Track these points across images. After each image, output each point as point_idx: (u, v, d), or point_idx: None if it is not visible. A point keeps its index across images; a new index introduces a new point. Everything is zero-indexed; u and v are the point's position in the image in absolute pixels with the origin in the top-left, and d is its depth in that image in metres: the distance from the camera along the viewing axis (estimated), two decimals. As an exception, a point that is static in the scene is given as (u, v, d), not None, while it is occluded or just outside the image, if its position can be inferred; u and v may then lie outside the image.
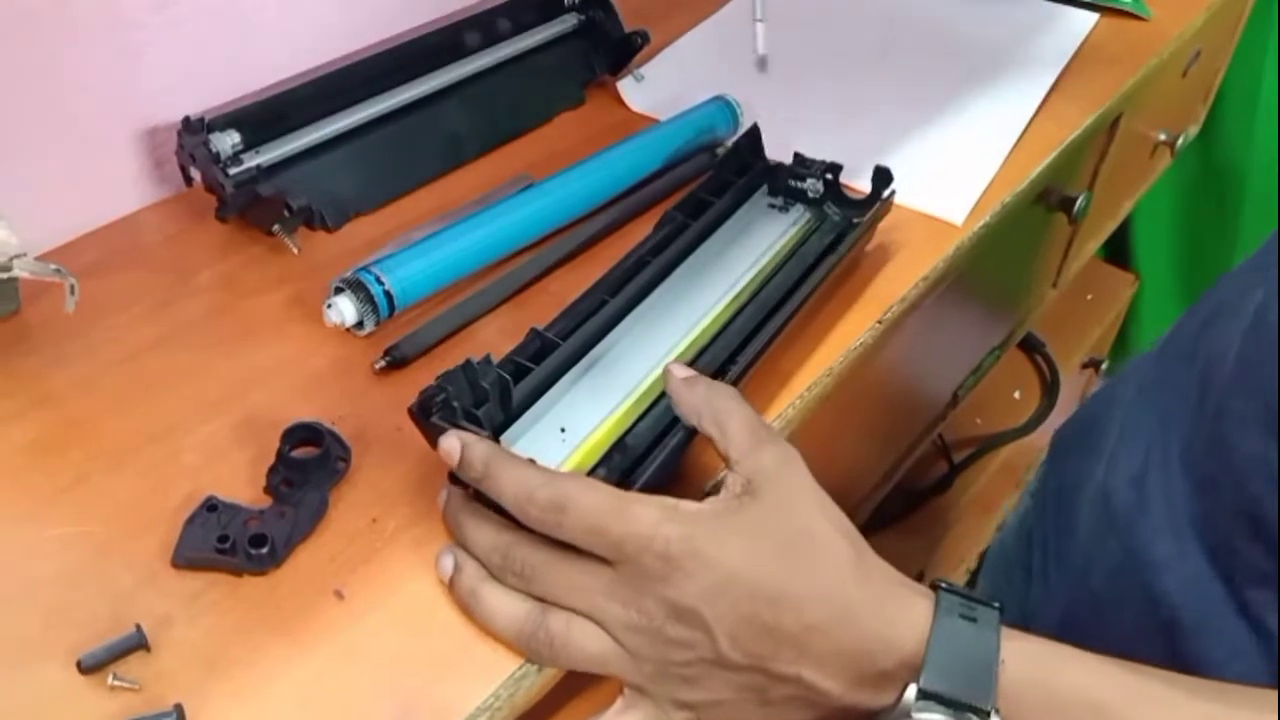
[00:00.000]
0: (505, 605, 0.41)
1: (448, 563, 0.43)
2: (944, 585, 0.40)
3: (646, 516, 0.39)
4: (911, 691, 0.38)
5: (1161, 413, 0.53)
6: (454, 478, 0.45)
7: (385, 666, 0.40)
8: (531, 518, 0.40)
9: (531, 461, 0.42)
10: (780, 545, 0.40)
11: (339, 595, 0.42)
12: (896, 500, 1.15)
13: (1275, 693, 0.38)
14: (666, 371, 0.46)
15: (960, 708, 0.37)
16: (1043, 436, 1.31)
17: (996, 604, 0.40)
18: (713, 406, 0.43)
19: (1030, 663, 0.39)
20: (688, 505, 0.40)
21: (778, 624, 0.38)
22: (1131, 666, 0.39)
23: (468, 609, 0.42)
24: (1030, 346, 1.29)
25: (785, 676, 0.39)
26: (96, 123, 0.59)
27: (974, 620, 0.39)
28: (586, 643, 0.40)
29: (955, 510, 1.21)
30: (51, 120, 0.57)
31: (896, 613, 0.39)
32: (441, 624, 0.42)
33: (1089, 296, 1.44)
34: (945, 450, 1.21)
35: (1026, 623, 0.62)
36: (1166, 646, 0.48)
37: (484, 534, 0.42)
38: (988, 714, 0.37)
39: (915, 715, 0.38)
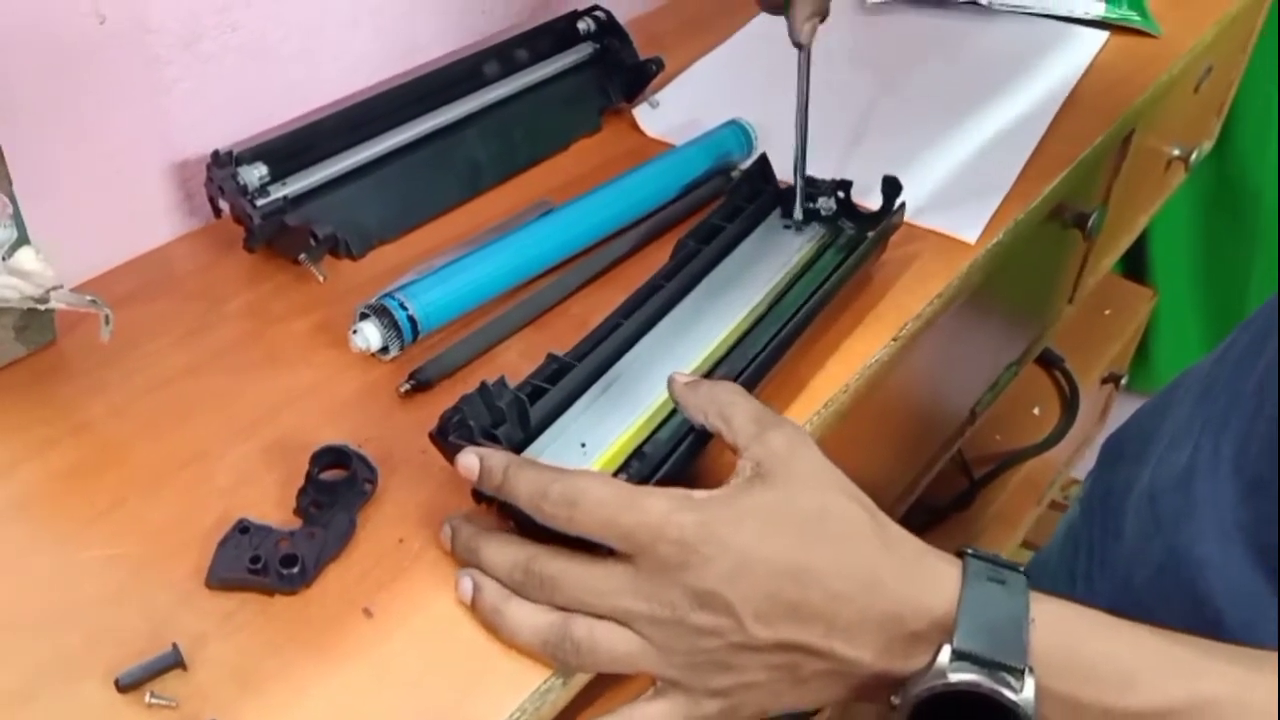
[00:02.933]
0: (529, 618, 0.41)
1: (467, 585, 0.43)
2: (970, 551, 0.40)
3: (659, 506, 0.39)
4: (945, 652, 0.38)
5: (1212, 418, 0.53)
6: (476, 495, 0.46)
7: (413, 682, 0.41)
8: (546, 514, 0.41)
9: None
10: (797, 521, 0.40)
11: (368, 613, 0.43)
12: (917, 516, 1.15)
13: None
14: (669, 380, 0.46)
15: (994, 666, 0.37)
16: (1063, 452, 1.31)
17: (1021, 568, 0.40)
18: (717, 402, 0.44)
19: (1059, 625, 0.39)
20: (699, 493, 0.40)
21: (803, 599, 0.38)
22: (1162, 632, 0.39)
23: (492, 627, 0.42)
24: (1049, 362, 1.29)
25: (816, 650, 0.39)
26: (128, 157, 0.61)
27: (1002, 583, 0.39)
28: (613, 644, 0.40)
29: (976, 526, 1.20)
30: (85, 155, 0.59)
31: (924, 577, 0.39)
32: (468, 640, 0.43)
33: (1107, 311, 1.44)
34: (966, 466, 1.21)
35: None
36: None
37: (502, 553, 0.43)
38: (1022, 672, 0.37)
39: (950, 676, 0.37)
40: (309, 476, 0.48)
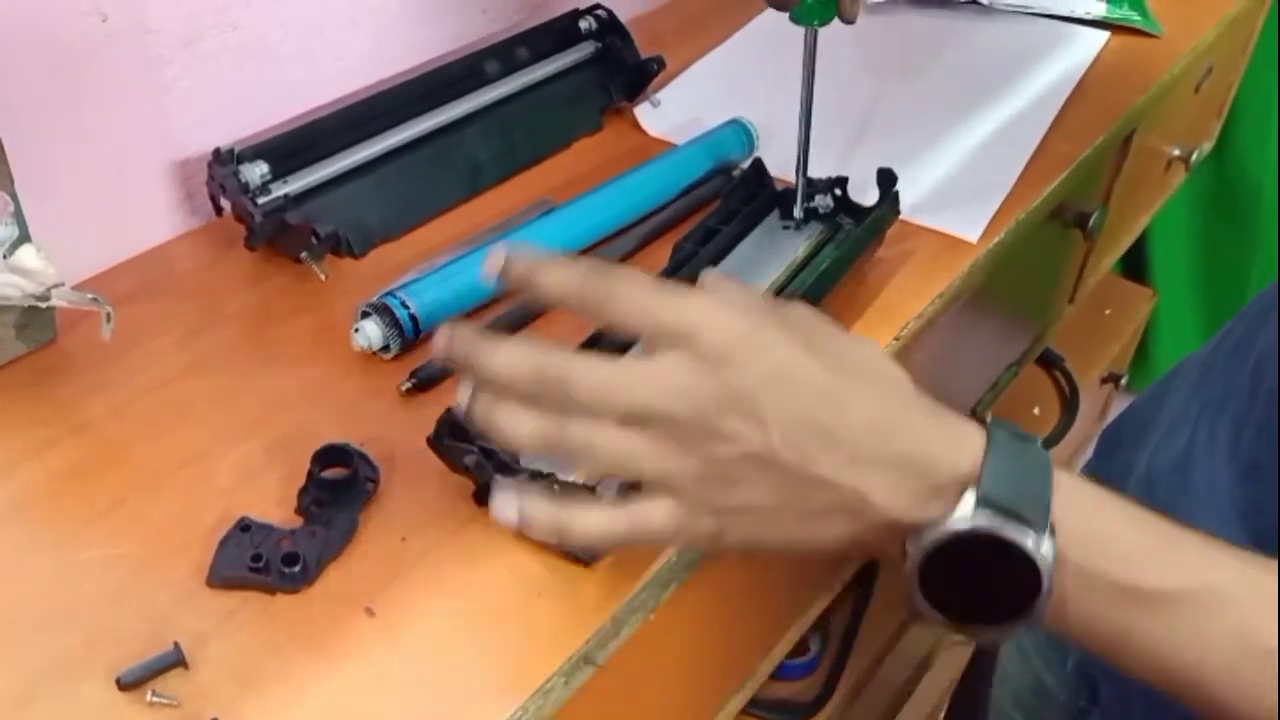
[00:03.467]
0: (526, 418, 0.38)
1: (464, 391, 0.39)
2: (990, 418, 0.40)
3: (705, 300, 0.37)
4: (969, 497, 0.37)
5: (1209, 403, 0.54)
6: (476, 497, 0.46)
7: (415, 682, 0.41)
8: (582, 298, 0.38)
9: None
10: (839, 355, 0.38)
11: (369, 612, 0.43)
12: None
13: None
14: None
15: (1017, 518, 0.36)
16: (1064, 451, 1.31)
17: (1039, 439, 0.40)
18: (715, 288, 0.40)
19: (1079, 496, 0.38)
20: (744, 295, 0.38)
21: (833, 423, 0.37)
22: (1177, 523, 0.39)
23: (490, 432, 0.39)
24: (1049, 362, 1.29)
25: (832, 482, 0.37)
26: (130, 156, 0.61)
27: (1026, 449, 0.38)
28: (618, 443, 0.37)
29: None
30: (86, 154, 0.59)
31: (953, 429, 0.38)
32: (469, 639, 0.43)
33: (1107, 311, 1.44)
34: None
35: None
36: None
37: (509, 353, 0.38)
38: (1043, 529, 0.36)
39: (975, 521, 0.36)
40: (310, 475, 0.48)
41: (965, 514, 0.37)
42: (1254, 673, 0.37)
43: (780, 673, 0.97)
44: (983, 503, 0.36)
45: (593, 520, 0.38)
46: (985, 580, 0.37)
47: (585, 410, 0.37)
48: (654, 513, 0.38)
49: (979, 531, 0.36)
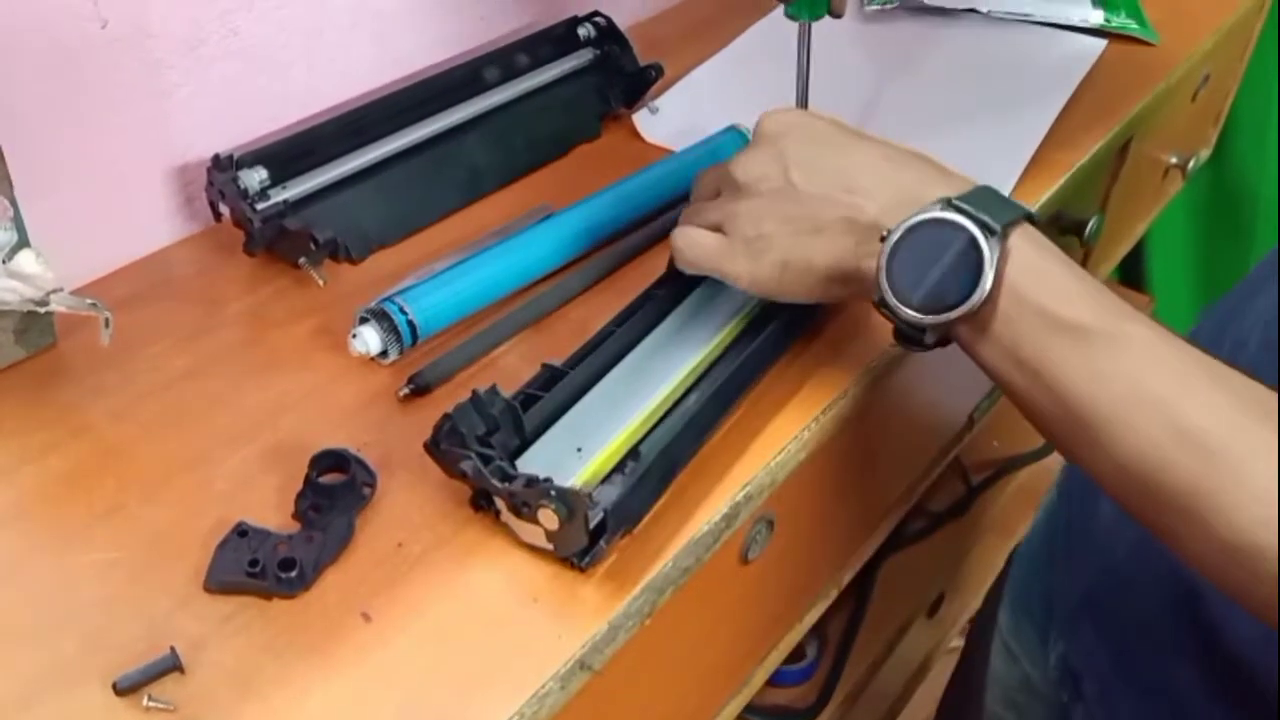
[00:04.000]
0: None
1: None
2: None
3: (768, 113, 0.53)
4: (940, 201, 0.44)
5: None
6: (474, 503, 0.46)
7: (412, 686, 0.41)
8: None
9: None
10: (861, 134, 0.50)
11: (366, 617, 0.43)
12: (915, 522, 1.15)
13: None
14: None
15: (977, 220, 0.43)
16: (1061, 459, 1.31)
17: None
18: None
19: (1037, 236, 0.45)
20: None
21: (845, 163, 0.48)
22: (1101, 285, 0.44)
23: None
24: (1047, 369, 1.29)
25: (838, 201, 0.47)
26: (129, 161, 0.61)
27: (1017, 203, 0.46)
28: (700, 209, 0.53)
29: (974, 533, 1.21)
30: (86, 158, 0.59)
31: (951, 175, 0.48)
32: (466, 644, 0.43)
33: (1105, 318, 1.44)
34: (963, 473, 1.21)
35: (1049, 603, 0.63)
36: (1189, 616, 0.50)
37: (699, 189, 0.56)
38: (997, 233, 0.43)
39: (937, 210, 0.44)
40: (308, 480, 0.48)
41: (935, 207, 0.44)
42: (1144, 420, 0.40)
43: (777, 678, 0.97)
44: (949, 205, 0.44)
45: (676, 233, 0.53)
46: (940, 262, 0.44)
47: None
48: (705, 237, 0.51)
49: (938, 218, 0.44)
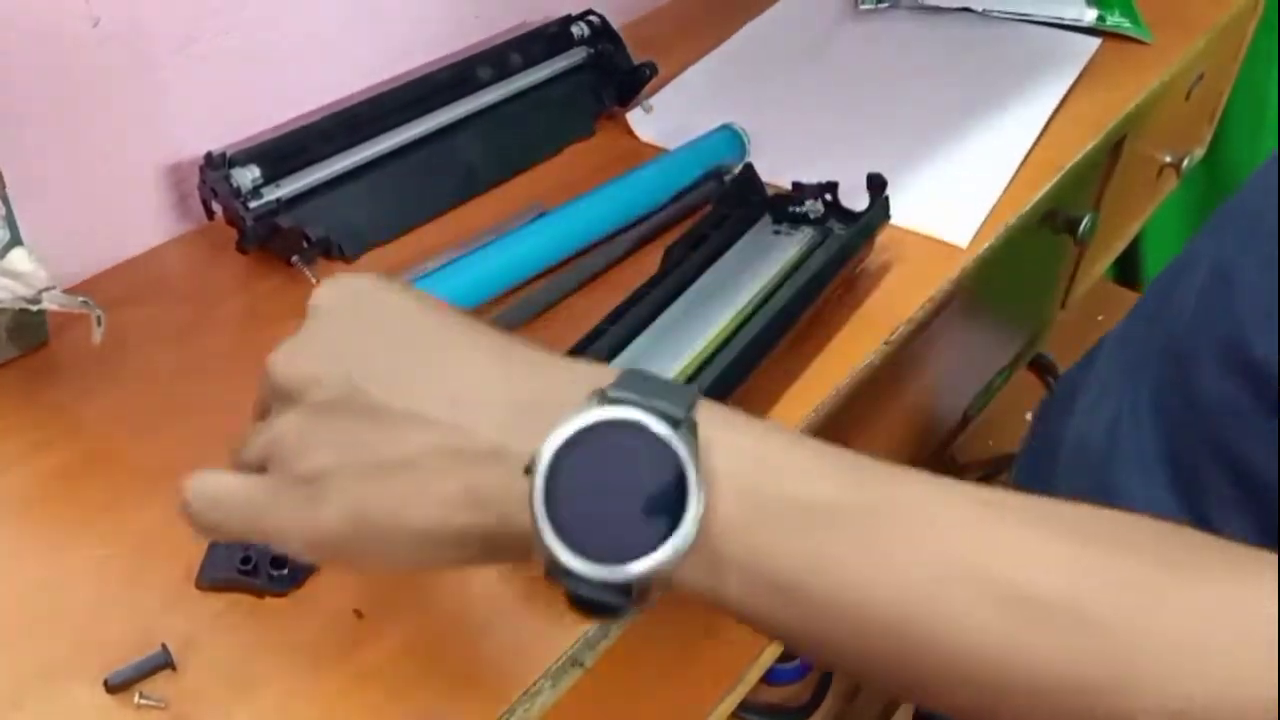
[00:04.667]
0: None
1: None
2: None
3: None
4: (594, 399, 0.30)
5: (1130, 366, 0.56)
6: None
7: (403, 684, 0.41)
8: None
9: None
10: (425, 297, 0.35)
11: (358, 615, 0.43)
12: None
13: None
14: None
15: (649, 409, 0.30)
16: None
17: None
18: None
19: (728, 413, 0.32)
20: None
21: (429, 367, 0.32)
22: (840, 449, 0.32)
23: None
24: (1041, 367, 1.30)
25: (431, 419, 0.31)
26: (122, 159, 0.61)
27: (666, 379, 0.32)
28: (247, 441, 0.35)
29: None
30: (78, 157, 0.59)
31: (580, 365, 0.33)
32: (457, 642, 0.43)
33: (1100, 317, 1.44)
34: (958, 471, 1.21)
35: None
36: None
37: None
38: (683, 424, 0.30)
39: (594, 410, 0.30)
40: (300, 478, 0.48)
41: (589, 407, 0.30)
42: (966, 601, 0.29)
43: (771, 677, 0.97)
44: (603, 399, 0.30)
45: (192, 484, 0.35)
46: (621, 487, 0.30)
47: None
48: (226, 477, 0.35)
49: (605, 421, 0.30)
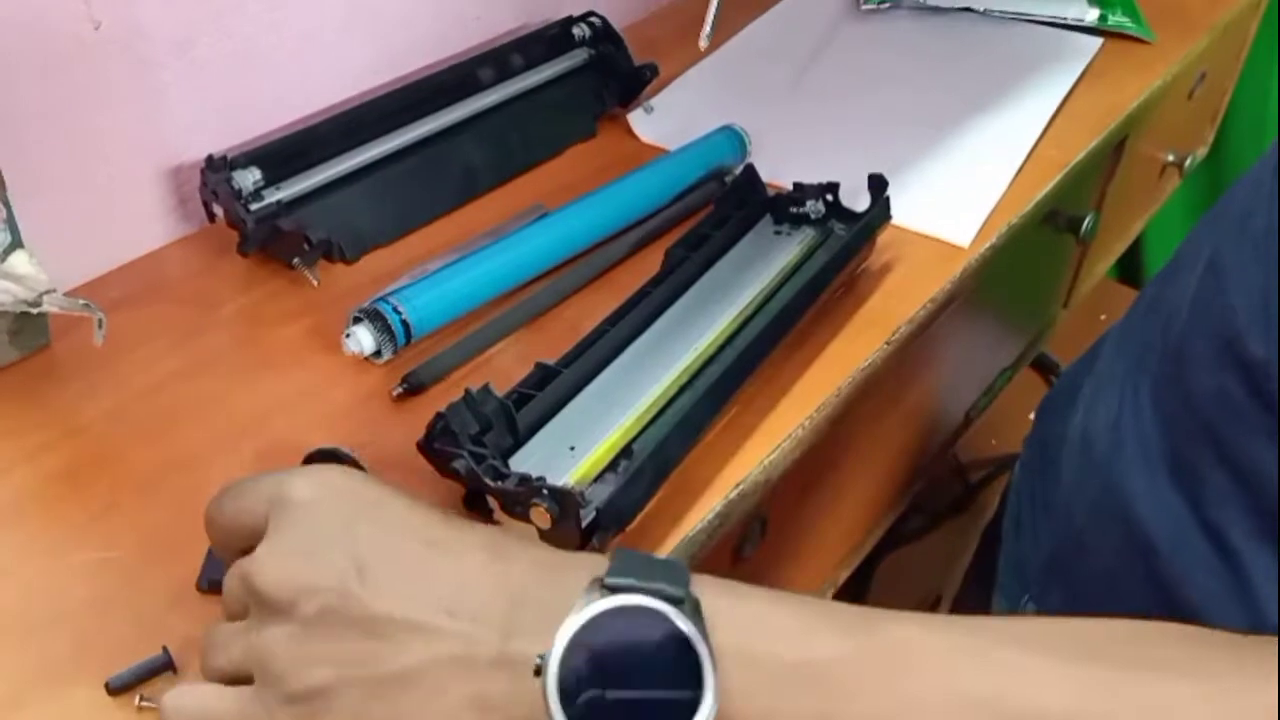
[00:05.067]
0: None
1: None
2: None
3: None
4: (595, 589, 0.31)
5: (1131, 363, 0.56)
6: (467, 502, 0.46)
7: (405, 686, 0.41)
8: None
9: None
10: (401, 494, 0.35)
11: (359, 617, 0.43)
12: (913, 520, 1.15)
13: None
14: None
15: (653, 593, 0.31)
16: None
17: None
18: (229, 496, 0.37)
19: (721, 584, 0.33)
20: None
21: (424, 574, 0.32)
22: (823, 602, 0.34)
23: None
24: (1044, 367, 1.29)
25: (430, 627, 0.31)
26: (122, 162, 0.61)
27: (654, 558, 0.33)
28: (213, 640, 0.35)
29: (972, 531, 1.20)
30: (79, 160, 0.59)
31: (564, 565, 0.33)
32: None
33: (1102, 317, 1.44)
34: (961, 471, 1.21)
35: (1017, 571, 0.65)
36: (1146, 571, 0.50)
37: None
38: (685, 602, 0.31)
39: (602, 601, 0.30)
40: (301, 480, 0.48)
41: (593, 599, 0.30)
42: None
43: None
44: (602, 589, 0.31)
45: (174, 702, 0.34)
46: (634, 676, 0.30)
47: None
48: (208, 693, 0.34)
49: (612, 606, 0.30)
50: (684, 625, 0.30)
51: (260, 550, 0.33)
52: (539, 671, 0.30)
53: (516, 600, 0.32)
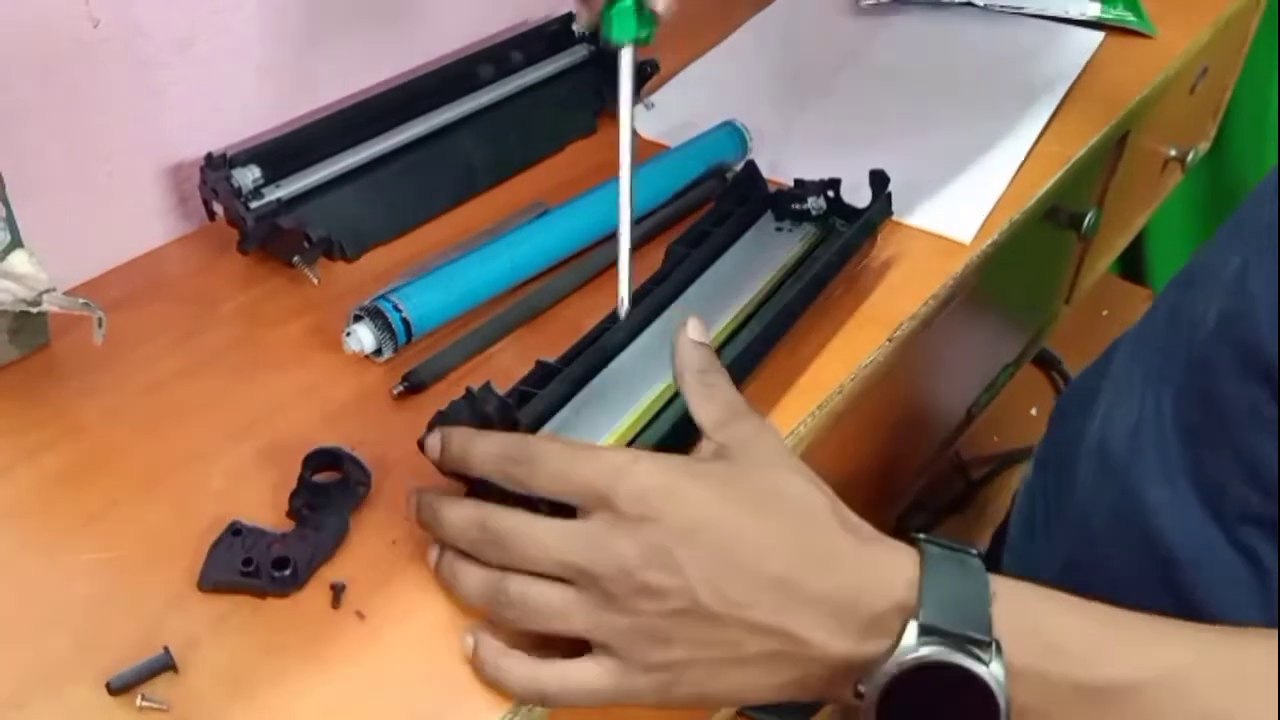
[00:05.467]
0: (473, 574, 0.41)
1: (433, 552, 0.44)
2: (922, 536, 0.40)
3: (617, 459, 0.39)
4: (912, 629, 0.37)
5: (1151, 371, 0.56)
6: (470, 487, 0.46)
7: (406, 685, 0.41)
8: (507, 475, 0.41)
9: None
10: (756, 494, 0.39)
11: (360, 616, 0.43)
12: (915, 517, 1.15)
13: (1256, 631, 0.38)
14: (682, 324, 0.45)
15: (961, 640, 0.36)
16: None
17: (974, 550, 0.40)
18: (704, 376, 0.44)
19: (1020, 601, 0.38)
20: (658, 454, 0.40)
21: (758, 568, 0.38)
22: (1118, 609, 0.39)
23: (450, 588, 0.43)
24: (1045, 363, 1.29)
25: (765, 627, 0.38)
26: (122, 160, 0.61)
27: (960, 563, 0.39)
28: (549, 599, 0.39)
29: (974, 528, 1.20)
30: (79, 159, 0.59)
31: (883, 558, 0.39)
32: (460, 642, 0.42)
33: (1104, 312, 1.44)
34: (963, 468, 1.21)
35: (1030, 574, 0.65)
36: (1163, 582, 0.50)
37: (460, 513, 0.42)
38: (989, 645, 0.36)
39: (921, 650, 0.36)
40: (301, 479, 0.48)
41: (910, 645, 0.37)
42: None
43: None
44: (926, 632, 0.37)
45: (520, 673, 0.40)
46: (940, 703, 0.37)
47: (522, 566, 0.40)
48: (584, 672, 0.39)
49: (926, 662, 0.36)
50: (990, 680, 0.36)
51: (601, 540, 0.38)
52: (858, 695, 0.37)
53: (832, 600, 0.38)
